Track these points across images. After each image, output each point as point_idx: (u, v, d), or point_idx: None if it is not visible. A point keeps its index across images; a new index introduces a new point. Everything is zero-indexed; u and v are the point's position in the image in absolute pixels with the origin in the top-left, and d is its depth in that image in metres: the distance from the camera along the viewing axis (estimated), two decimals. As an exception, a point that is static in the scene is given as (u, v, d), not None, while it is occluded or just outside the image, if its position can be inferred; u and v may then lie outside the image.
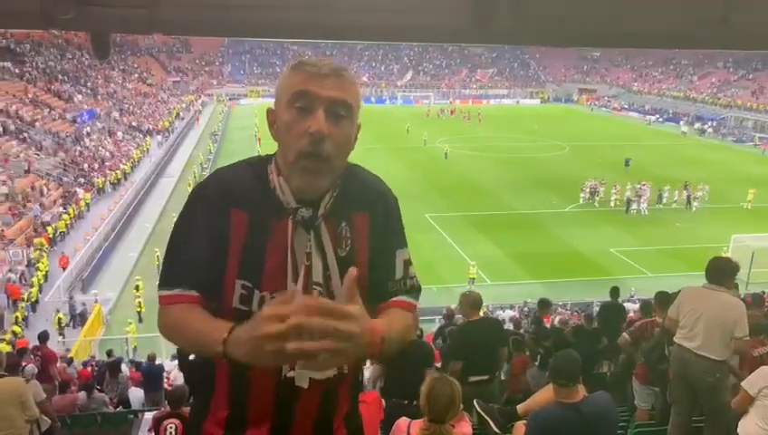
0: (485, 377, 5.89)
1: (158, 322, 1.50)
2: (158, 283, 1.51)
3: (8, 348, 13.47)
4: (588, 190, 33.97)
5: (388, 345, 1.36)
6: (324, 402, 1.55)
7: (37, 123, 37.82)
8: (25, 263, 23.07)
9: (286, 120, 1.44)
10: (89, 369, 12.28)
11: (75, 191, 31.04)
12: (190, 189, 1.58)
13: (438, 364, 7.10)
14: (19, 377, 6.02)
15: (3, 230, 24.36)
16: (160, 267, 1.55)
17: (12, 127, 34.97)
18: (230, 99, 72.11)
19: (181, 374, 8.51)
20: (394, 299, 1.59)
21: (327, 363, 1.31)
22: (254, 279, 1.47)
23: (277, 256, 1.46)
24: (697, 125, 61.32)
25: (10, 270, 22.17)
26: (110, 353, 13.86)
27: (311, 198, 1.48)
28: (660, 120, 66.67)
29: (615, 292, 9.01)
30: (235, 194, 1.49)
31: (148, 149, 43.72)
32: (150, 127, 49.61)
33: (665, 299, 6.06)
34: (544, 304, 9.98)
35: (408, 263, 1.64)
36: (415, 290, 1.65)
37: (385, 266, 1.60)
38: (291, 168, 1.45)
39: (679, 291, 5.19)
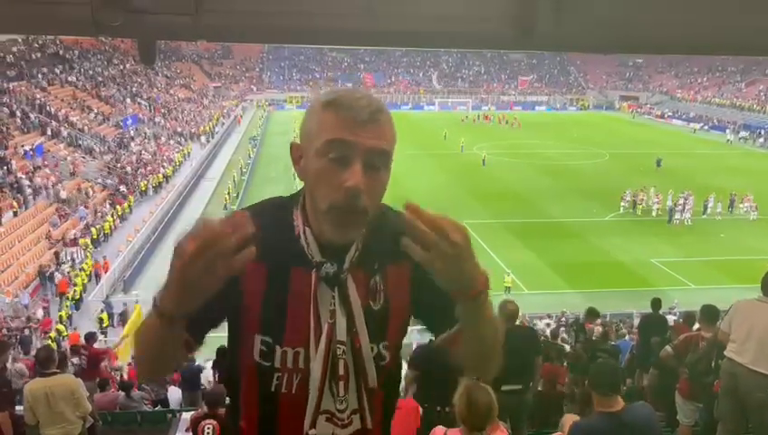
0: (519, 386, 5.81)
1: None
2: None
3: (54, 345, 13.87)
4: (628, 199, 33.36)
5: (487, 304, 1.30)
6: None
7: (84, 127, 38.96)
8: (70, 263, 23.75)
9: (317, 167, 1.30)
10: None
11: (119, 194, 31.84)
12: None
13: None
14: (70, 374, 6.20)
15: (50, 231, 25.15)
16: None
17: (60, 131, 36.09)
18: (269, 104, 73.06)
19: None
20: None
21: None
22: (274, 335, 1.39)
23: (299, 310, 1.38)
24: (743, 133, 59.60)
25: (59, 265, 22.90)
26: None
27: (338, 247, 1.38)
28: (706, 128, 65.05)
29: (657, 303, 8.79)
30: (254, 243, 1.34)
31: (189, 153, 44.61)
32: (192, 131, 50.60)
33: (711, 313, 5.88)
34: (592, 313, 9.73)
35: None
36: None
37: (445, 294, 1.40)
38: (321, 217, 1.33)
39: (730, 306, 5.02)
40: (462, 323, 1.35)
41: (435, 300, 1.39)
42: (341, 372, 1.39)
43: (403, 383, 6.11)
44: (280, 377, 1.40)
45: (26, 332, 18.37)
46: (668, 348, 6.01)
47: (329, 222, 1.32)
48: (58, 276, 22.34)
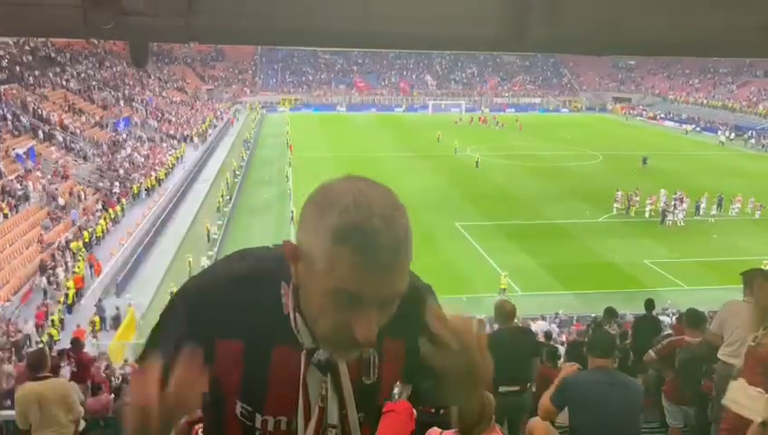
0: (516, 388, 5.79)
1: None
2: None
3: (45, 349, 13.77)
4: (620, 200, 33.50)
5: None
6: None
7: (76, 130, 38.82)
8: (62, 266, 23.63)
9: (322, 306, 1.13)
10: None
11: (111, 196, 31.73)
12: (182, 286, 1.33)
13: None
14: (63, 378, 6.16)
15: (41, 234, 25.02)
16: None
17: (52, 134, 35.93)
18: (263, 107, 73.00)
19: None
20: None
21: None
22: (255, 404, 1.30)
23: (283, 387, 1.27)
24: (733, 135, 59.98)
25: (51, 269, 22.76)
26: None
27: None
28: (698, 129, 65.42)
29: (650, 304, 8.81)
30: (229, 320, 1.24)
31: (182, 155, 44.50)
32: (185, 134, 50.49)
33: (696, 318, 5.88)
34: (611, 313, 9.59)
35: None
36: None
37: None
38: (320, 339, 1.20)
39: (721, 308, 5.03)
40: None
41: (429, 375, 1.25)
42: None
43: (398, 386, 6.09)
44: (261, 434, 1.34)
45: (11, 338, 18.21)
46: (651, 352, 6.00)
47: (330, 349, 1.21)
48: (45, 281, 22.24)
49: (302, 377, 1.26)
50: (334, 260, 1.07)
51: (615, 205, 33.51)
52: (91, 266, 24.73)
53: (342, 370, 1.28)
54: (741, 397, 3.58)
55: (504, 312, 5.93)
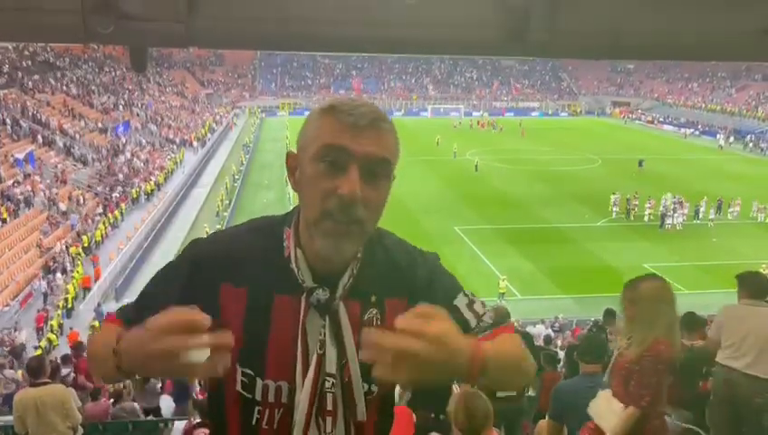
0: (513, 393, 5.79)
1: None
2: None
3: (39, 353, 13.76)
4: (617, 203, 33.51)
5: (493, 368, 1.16)
6: None
7: (76, 135, 38.82)
8: (61, 271, 23.61)
9: (311, 173, 1.22)
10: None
11: (110, 201, 31.71)
12: (192, 239, 1.42)
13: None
14: (61, 384, 6.15)
15: (40, 239, 25.00)
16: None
17: (51, 139, 35.94)
18: (262, 111, 73.04)
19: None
20: (487, 332, 1.39)
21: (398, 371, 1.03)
22: (255, 366, 1.30)
23: (283, 340, 1.29)
24: (732, 139, 60.03)
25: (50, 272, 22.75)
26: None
27: (331, 271, 1.29)
28: (696, 133, 65.49)
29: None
30: (232, 266, 1.30)
31: (181, 160, 44.52)
32: (184, 138, 50.51)
33: (691, 321, 5.87)
34: (610, 314, 9.53)
35: (471, 303, 1.40)
36: (497, 322, 1.44)
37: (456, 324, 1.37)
38: (313, 229, 1.24)
39: (717, 313, 5.03)
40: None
41: None
42: (329, 407, 1.30)
43: (397, 390, 6.08)
44: (261, 411, 1.32)
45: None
46: None
47: (321, 233, 1.22)
48: (45, 285, 22.21)
49: (301, 321, 1.27)
50: (322, 125, 1.22)
51: (614, 208, 33.52)
52: (95, 265, 24.82)
53: (342, 315, 1.29)
54: (603, 407, 3.52)
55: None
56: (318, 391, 1.29)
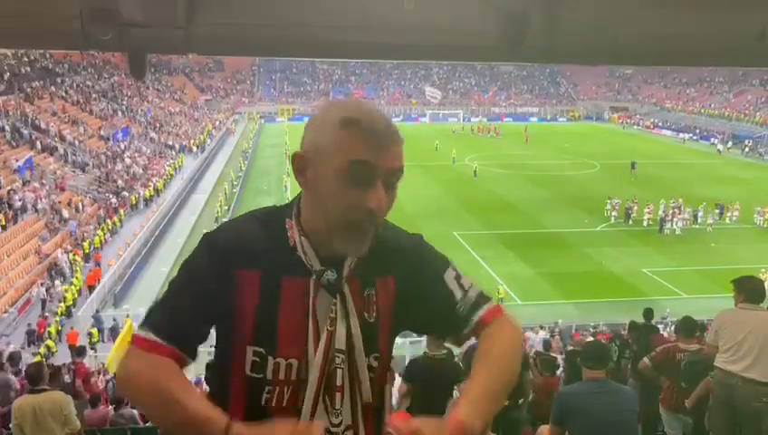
0: (507, 403, 5.77)
1: (120, 365, 1.36)
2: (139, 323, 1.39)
3: (40, 359, 13.72)
4: (614, 208, 33.49)
5: (483, 414, 1.30)
6: None
7: (75, 141, 38.81)
8: (60, 277, 23.58)
9: (335, 185, 1.29)
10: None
11: (109, 207, 31.69)
12: (203, 233, 1.48)
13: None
14: (60, 391, 6.12)
15: (39, 245, 24.96)
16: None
17: (50, 145, 35.92)
18: (261, 117, 73.09)
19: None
20: (474, 318, 1.52)
21: None
22: (267, 345, 1.36)
23: (294, 319, 1.36)
24: (730, 143, 60.10)
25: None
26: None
27: (334, 253, 1.36)
28: (694, 138, 65.57)
29: (648, 313, 8.79)
30: (246, 252, 1.37)
31: (180, 166, 44.51)
32: (184, 144, 50.51)
33: (689, 325, 5.87)
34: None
35: (458, 278, 1.55)
36: (484, 296, 1.57)
37: (442, 296, 1.51)
38: (334, 232, 1.32)
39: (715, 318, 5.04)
40: None
41: (421, 310, 1.49)
42: (338, 382, 1.38)
43: (397, 396, 6.07)
44: (271, 390, 1.37)
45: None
46: (646, 359, 5.97)
47: (344, 238, 1.32)
48: (43, 292, 22.16)
49: (311, 301, 1.36)
50: (345, 140, 1.28)
51: (612, 213, 33.54)
52: (98, 265, 24.92)
53: (348, 295, 1.39)
54: None
55: None
56: (327, 367, 1.36)
